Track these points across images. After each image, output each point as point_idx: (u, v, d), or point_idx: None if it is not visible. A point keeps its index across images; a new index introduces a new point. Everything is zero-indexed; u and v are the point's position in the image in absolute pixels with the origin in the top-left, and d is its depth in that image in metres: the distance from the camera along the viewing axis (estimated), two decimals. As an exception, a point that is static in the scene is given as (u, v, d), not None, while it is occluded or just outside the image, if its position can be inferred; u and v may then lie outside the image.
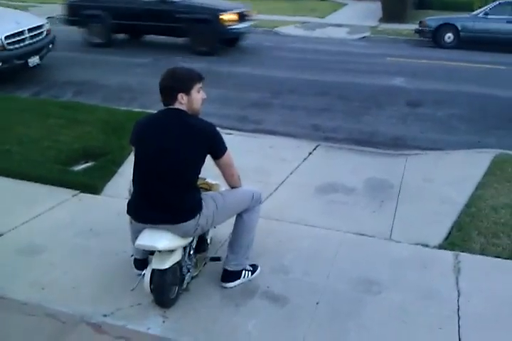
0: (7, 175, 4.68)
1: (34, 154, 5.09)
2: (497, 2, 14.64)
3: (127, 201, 2.97)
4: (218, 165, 2.93)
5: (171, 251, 2.80)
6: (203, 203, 2.87)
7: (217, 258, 3.28)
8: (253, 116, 7.17)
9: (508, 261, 3.57)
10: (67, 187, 4.50)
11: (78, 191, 4.46)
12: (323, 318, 2.94)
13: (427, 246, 3.75)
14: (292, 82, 9.21)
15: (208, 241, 3.42)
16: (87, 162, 5.04)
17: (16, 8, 15.34)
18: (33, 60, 8.50)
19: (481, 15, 13.98)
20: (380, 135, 6.54)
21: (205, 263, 3.34)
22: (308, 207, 4.33)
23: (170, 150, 2.73)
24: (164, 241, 2.73)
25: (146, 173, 2.81)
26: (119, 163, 4.99)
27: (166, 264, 2.76)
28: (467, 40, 13.87)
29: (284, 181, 4.83)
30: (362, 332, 2.83)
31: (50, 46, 9.11)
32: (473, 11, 15.95)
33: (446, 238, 3.85)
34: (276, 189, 4.64)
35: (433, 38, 14.27)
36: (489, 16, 13.75)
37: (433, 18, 14.81)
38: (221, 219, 3.04)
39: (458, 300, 3.10)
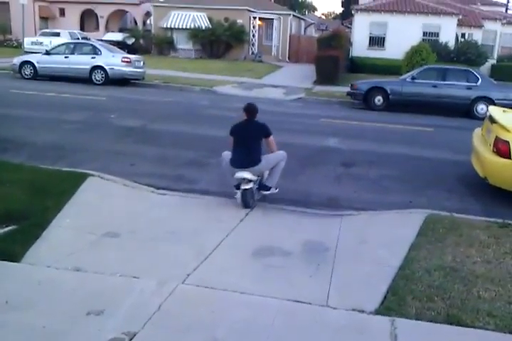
0: None
1: None
2: (423, 67, 15.68)
3: (229, 159, 5.87)
4: (266, 142, 5.97)
5: (250, 181, 5.71)
6: (262, 159, 5.86)
7: (264, 186, 6.07)
8: (189, 175, 7.06)
9: (444, 325, 3.53)
10: (-18, 254, 4.14)
11: (-5, 258, 4.11)
12: None
13: (363, 311, 3.66)
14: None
15: (263, 182, 6.08)
16: (7, 226, 4.69)
17: None
18: (-43, 116, 8.11)
19: (408, 79, 14.85)
20: (315, 195, 6.59)
21: (261, 193, 6.09)
22: (244, 273, 4.18)
23: (250, 135, 5.84)
24: (247, 174, 5.66)
25: (240, 146, 5.81)
26: (43, 227, 4.69)
27: (248, 186, 5.72)
28: (396, 102, 14.64)
29: (219, 244, 4.69)
30: None
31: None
32: (401, 75, 16.95)
33: (382, 302, 3.79)
34: (211, 253, 4.48)
35: (364, 100, 14.95)
36: (416, 80, 14.63)
37: (363, 82, 15.60)
38: (269, 166, 5.99)
39: (396, 372, 2.99)
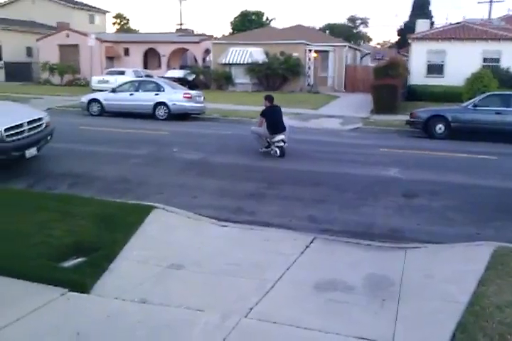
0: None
1: (23, 250, 4.95)
2: (485, 94, 15.25)
3: (267, 129, 10.75)
4: None
5: (282, 140, 10.67)
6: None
7: (284, 142, 10.76)
8: (248, 207, 7.13)
9: (519, 367, 3.35)
10: (55, 285, 4.32)
11: (67, 289, 4.27)
12: None
13: (432, 350, 3.54)
14: (287, 172, 9.32)
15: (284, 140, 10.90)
16: (77, 257, 4.90)
17: (15, 100, 15.95)
18: (31, 152, 8.56)
19: (470, 106, 14.46)
20: (377, 227, 6.47)
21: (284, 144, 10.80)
22: (307, 307, 4.14)
23: (277, 113, 10.96)
24: (283, 136, 10.69)
25: (274, 120, 10.75)
26: (111, 259, 4.86)
27: (282, 143, 10.70)
28: (458, 130, 14.26)
29: (280, 278, 4.68)
30: None
31: (49, 138, 9.24)
32: (462, 102, 16.57)
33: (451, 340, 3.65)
34: (273, 287, 4.48)
35: (424, 128, 14.68)
36: (478, 108, 14.21)
37: (423, 110, 15.34)
38: (288, 130, 11.11)
39: None
